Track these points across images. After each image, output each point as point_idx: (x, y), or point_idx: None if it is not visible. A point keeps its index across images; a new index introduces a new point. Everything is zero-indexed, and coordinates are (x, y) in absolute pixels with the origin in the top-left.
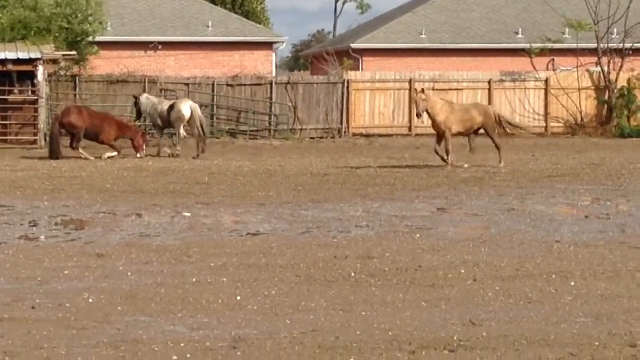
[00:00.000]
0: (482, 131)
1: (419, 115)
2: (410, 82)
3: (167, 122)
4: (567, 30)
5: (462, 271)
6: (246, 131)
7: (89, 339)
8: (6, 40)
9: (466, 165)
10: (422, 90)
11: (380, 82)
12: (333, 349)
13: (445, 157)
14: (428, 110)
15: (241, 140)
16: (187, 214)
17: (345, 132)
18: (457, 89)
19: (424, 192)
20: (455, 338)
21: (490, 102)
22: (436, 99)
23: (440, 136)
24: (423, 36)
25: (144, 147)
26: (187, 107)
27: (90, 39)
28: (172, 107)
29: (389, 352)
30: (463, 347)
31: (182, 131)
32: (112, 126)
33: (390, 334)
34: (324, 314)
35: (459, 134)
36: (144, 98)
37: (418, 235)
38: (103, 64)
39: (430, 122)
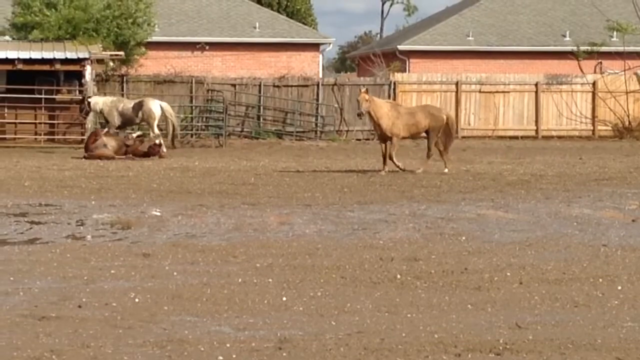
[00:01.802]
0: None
1: (360, 115)
2: (456, 84)
3: (128, 121)
4: (614, 32)
5: (508, 274)
6: (292, 132)
7: (135, 338)
8: (52, 39)
9: (420, 170)
10: (367, 91)
11: (426, 83)
12: (378, 350)
13: (395, 163)
14: (371, 113)
15: (287, 141)
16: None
17: None
18: (503, 92)
19: (470, 195)
20: (501, 341)
21: (537, 105)
22: (381, 102)
23: (383, 139)
24: (470, 38)
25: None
26: (156, 105)
27: (138, 40)
28: (140, 106)
29: (434, 355)
30: (509, 350)
31: (156, 130)
32: None
33: (435, 336)
34: (370, 315)
35: (404, 138)
36: (95, 98)
37: (464, 238)
38: (150, 64)
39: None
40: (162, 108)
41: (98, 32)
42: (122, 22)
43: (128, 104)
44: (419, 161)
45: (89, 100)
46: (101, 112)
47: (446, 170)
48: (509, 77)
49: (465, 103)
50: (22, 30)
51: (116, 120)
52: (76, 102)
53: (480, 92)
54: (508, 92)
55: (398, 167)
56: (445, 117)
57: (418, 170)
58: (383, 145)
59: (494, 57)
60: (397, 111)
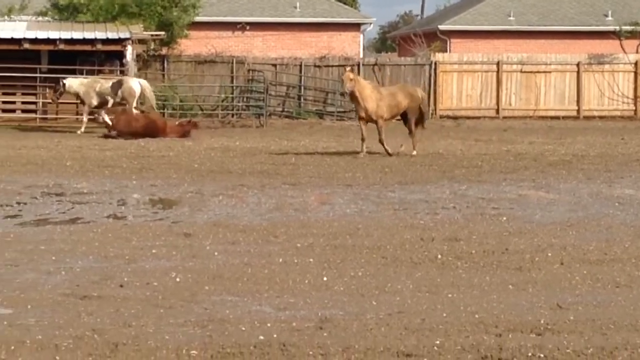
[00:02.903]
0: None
1: (343, 94)
2: (497, 64)
3: (104, 101)
4: None
5: (549, 254)
6: (333, 112)
7: (176, 317)
8: (100, 20)
9: (414, 152)
10: (352, 69)
11: (467, 64)
12: (419, 330)
13: (385, 147)
14: (355, 93)
15: (328, 121)
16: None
17: (432, 114)
18: (544, 72)
19: (511, 175)
20: (542, 321)
21: (579, 85)
22: (365, 83)
23: (365, 119)
24: (511, 18)
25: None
26: (136, 83)
27: (182, 24)
28: (119, 84)
29: (475, 335)
30: (550, 330)
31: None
32: None
33: (476, 316)
34: (410, 295)
35: (386, 120)
36: (69, 80)
37: (505, 218)
38: (191, 44)
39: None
40: (141, 86)
41: (142, 15)
42: (168, 4)
43: (106, 84)
44: (406, 144)
45: (64, 82)
46: (76, 93)
47: (414, 152)
48: (550, 57)
49: (506, 83)
50: (64, 11)
51: (93, 101)
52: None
53: (521, 72)
54: (549, 72)
55: (387, 151)
56: (421, 96)
57: (413, 153)
58: (364, 126)
59: (535, 37)
60: (379, 92)
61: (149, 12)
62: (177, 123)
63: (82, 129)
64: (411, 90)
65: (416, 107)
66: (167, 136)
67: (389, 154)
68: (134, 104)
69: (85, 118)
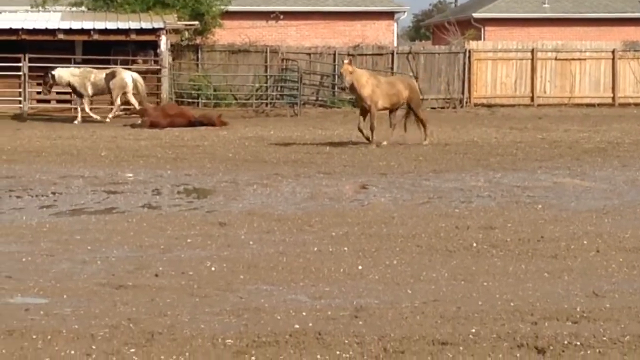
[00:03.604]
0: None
1: (344, 88)
2: (532, 51)
3: (101, 91)
4: None
5: (585, 242)
6: None
7: (211, 306)
8: (135, 10)
9: (385, 143)
10: (350, 62)
11: (502, 51)
12: (454, 318)
13: (370, 135)
14: (353, 83)
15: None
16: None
17: (466, 102)
18: (579, 59)
19: (546, 163)
20: (578, 309)
21: (614, 73)
22: (361, 72)
23: (364, 111)
24: (546, 5)
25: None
26: (128, 75)
27: (215, 14)
28: (112, 76)
29: (510, 323)
30: (585, 318)
31: (119, 100)
32: None
33: (512, 304)
34: (446, 283)
35: (384, 109)
36: (59, 71)
37: (540, 206)
38: (225, 34)
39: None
40: (133, 79)
41: (176, 5)
42: None
43: (100, 74)
44: (417, 135)
45: (53, 73)
46: (69, 84)
47: (385, 143)
48: (585, 45)
49: (541, 71)
50: (99, 0)
51: (89, 91)
52: (152, 72)
53: (556, 59)
54: (584, 59)
55: (367, 138)
56: (417, 89)
57: (425, 142)
58: (363, 118)
59: (570, 24)
60: (377, 79)
61: (183, 2)
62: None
63: (79, 119)
64: (410, 82)
65: (417, 98)
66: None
67: (369, 141)
68: (119, 96)
69: (86, 107)
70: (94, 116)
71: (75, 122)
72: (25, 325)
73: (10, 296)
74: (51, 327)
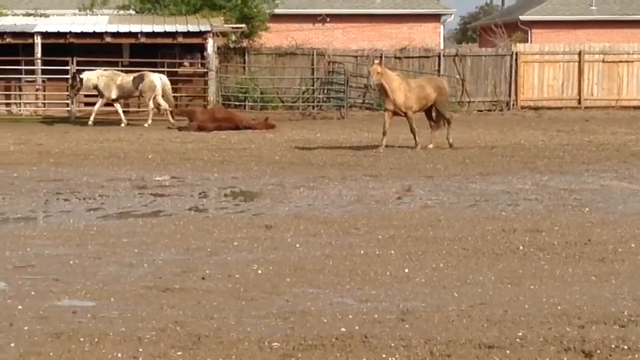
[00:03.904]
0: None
1: (368, 87)
2: (579, 54)
3: (127, 94)
4: None
5: (633, 245)
6: None
7: (258, 309)
8: (183, 12)
9: (431, 146)
10: (380, 62)
11: (549, 54)
12: (501, 322)
13: (414, 139)
14: (384, 86)
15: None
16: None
17: (513, 105)
18: (627, 61)
19: (593, 165)
20: (625, 313)
21: None
22: (393, 75)
23: (393, 114)
24: (593, 7)
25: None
26: (157, 78)
27: (263, 18)
28: (141, 79)
29: (557, 326)
30: (633, 322)
31: (152, 103)
32: None
33: (558, 308)
34: (492, 287)
35: (414, 112)
36: (87, 74)
37: (587, 209)
38: (271, 37)
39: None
40: (161, 81)
41: (225, 7)
42: None
43: (127, 77)
44: (433, 139)
45: (81, 77)
46: (95, 87)
47: (431, 146)
48: (633, 47)
49: (588, 73)
50: (147, 2)
51: (113, 94)
52: (199, 75)
53: (603, 62)
54: (632, 61)
55: (416, 142)
56: (447, 89)
57: (450, 140)
58: (388, 120)
59: (618, 26)
60: (408, 84)
61: (231, 4)
62: (251, 120)
63: (92, 120)
64: (439, 83)
65: (445, 100)
66: (246, 128)
67: (417, 145)
68: (152, 99)
69: (97, 108)
70: (91, 118)
71: (122, 124)
72: (73, 328)
73: (58, 299)
74: (98, 330)
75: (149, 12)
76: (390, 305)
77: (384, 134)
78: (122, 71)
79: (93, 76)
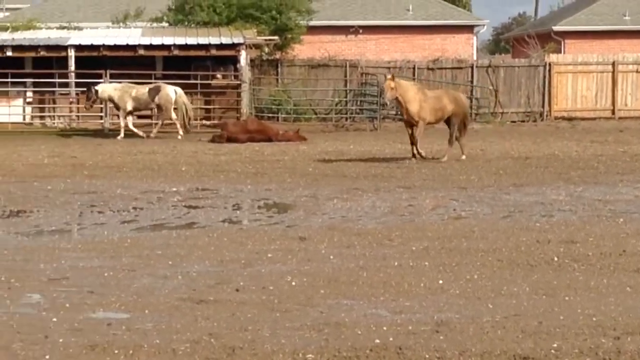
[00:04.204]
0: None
1: (384, 105)
2: (613, 64)
3: (143, 105)
4: None
5: None
6: None
7: (292, 321)
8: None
9: (445, 159)
10: (393, 77)
11: (582, 64)
12: (536, 333)
13: (417, 151)
14: (398, 98)
15: (441, 123)
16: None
17: (546, 116)
18: None
19: (628, 176)
20: None
21: None
22: (408, 85)
23: (411, 125)
24: (626, 17)
25: None
26: (172, 90)
27: (298, 31)
28: (157, 91)
29: (592, 338)
30: None
31: (173, 114)
32: None
33: (594, 319)
34: (527, 298)
35: (429, 124)
36: (102, 86)
37: (622, 220)
38: (304, 48)
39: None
40: (176, 94)
41: (260, 18)
42: (285, 9)
43: (142, 89)
44: (436, 149)
45: (96, 89)
46: (110, 99)
47: (464, 157)
48: None
49: (622, 84)
50: (179, 15)
51: (128, 106)
52: (232, 87)
53: (637, 72)
54: None
55: (420, 154)
56: (465, 102)
57: (443, 159)
58: (410, 130)
59: None
60: (424, 94)
61: (267, 16)
62: (283, 132)
63: (122, 135)
64: (456, 95)
65: (461, 113)
66: (278, 140)
67: (421, 157)
68: (171, 110)
69: (123, 123)
70: (139, 132)
71: (152, 134)
72: (108, 340)
73: (92, 311)
74: (133, 342)
75: (182, 24)
76: (424, 317)
77: (412, 144)
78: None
79: (108, 88)
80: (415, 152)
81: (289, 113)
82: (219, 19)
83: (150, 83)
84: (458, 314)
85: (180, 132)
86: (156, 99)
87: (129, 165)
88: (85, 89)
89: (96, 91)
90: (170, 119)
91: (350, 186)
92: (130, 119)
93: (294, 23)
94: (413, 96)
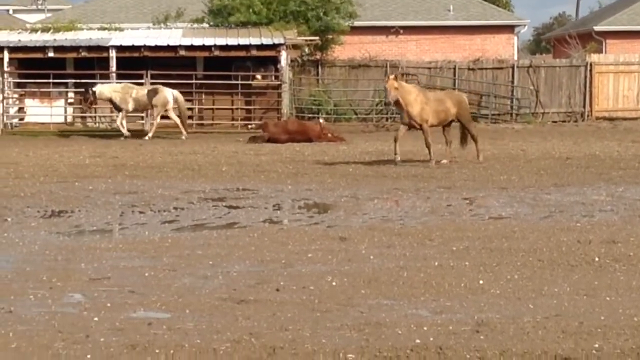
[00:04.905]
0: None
1: (387, 104)
2: None
3: (142, 107)
4: None
5: None
6: (487, 115)
7: (332, 321)
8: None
9: (445, 161)
10: (396, 77)
11: (624, 64)
12: (577, 333)
13: (428, 153)
14: (399, 100)
15: (482, 123)
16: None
17: (588, 116)
18: None
19: None
20: None
21: None
22: (409, 88)
23: (409, 127)
24: None
25: None
26: (169, 92)
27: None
28: (155, 93)
29: (634, 338)
30: None
31: (174, 115)
32: None
33: (635, 319)
34: (568, 298)
35: (432, 126)
36: (100, 87)
37: None
38: (344, 49)
39: None
40: (174, 97)
41: (305, 18)
42: (328, 10)
43: (141, 91)
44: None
45: (94, 90)
46: (110, 100)
47: (444, 161)
48: None
49: None
50: (219, 16)
51: (130, 106)
52: (272, 88)
53: None
54: None
55: (430, 156)
56: (467, 104)
57: (480, 159)
58: (403, 130)
59: None
60: (425, 97)
61: (313, 14)
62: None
63: (151, 134)
64: (459, 98)
65: (467, 114)
66: (318, 140)
67: (431, 159)
68: (171, 113)
69: (123, 120)
70: (124, 131)
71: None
72: (148, 340)
73: (133, 311)
74: (174, 342)
75: (222, 25)
76: (465, 317)
77: (395, 140)
78: (199, 84)
79: (106, 89)
80: (428, 152)
81: (330, 113)
82: (257, 18)
83: (157, 84)
84: (499, 314)
85: (184, 132)
86: (153, 101)
87: (170, 165)
88: (82, 89)
89: (94, 92)
90: (154, 119)
91: (390, 186)
92: (121, 115)
93: (336, 25)
94: (414, 98)
